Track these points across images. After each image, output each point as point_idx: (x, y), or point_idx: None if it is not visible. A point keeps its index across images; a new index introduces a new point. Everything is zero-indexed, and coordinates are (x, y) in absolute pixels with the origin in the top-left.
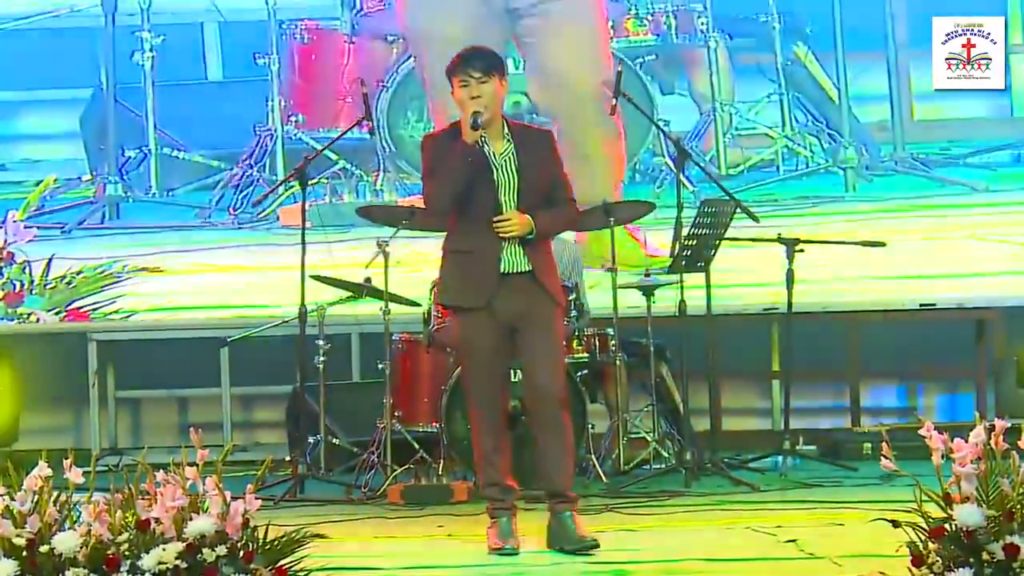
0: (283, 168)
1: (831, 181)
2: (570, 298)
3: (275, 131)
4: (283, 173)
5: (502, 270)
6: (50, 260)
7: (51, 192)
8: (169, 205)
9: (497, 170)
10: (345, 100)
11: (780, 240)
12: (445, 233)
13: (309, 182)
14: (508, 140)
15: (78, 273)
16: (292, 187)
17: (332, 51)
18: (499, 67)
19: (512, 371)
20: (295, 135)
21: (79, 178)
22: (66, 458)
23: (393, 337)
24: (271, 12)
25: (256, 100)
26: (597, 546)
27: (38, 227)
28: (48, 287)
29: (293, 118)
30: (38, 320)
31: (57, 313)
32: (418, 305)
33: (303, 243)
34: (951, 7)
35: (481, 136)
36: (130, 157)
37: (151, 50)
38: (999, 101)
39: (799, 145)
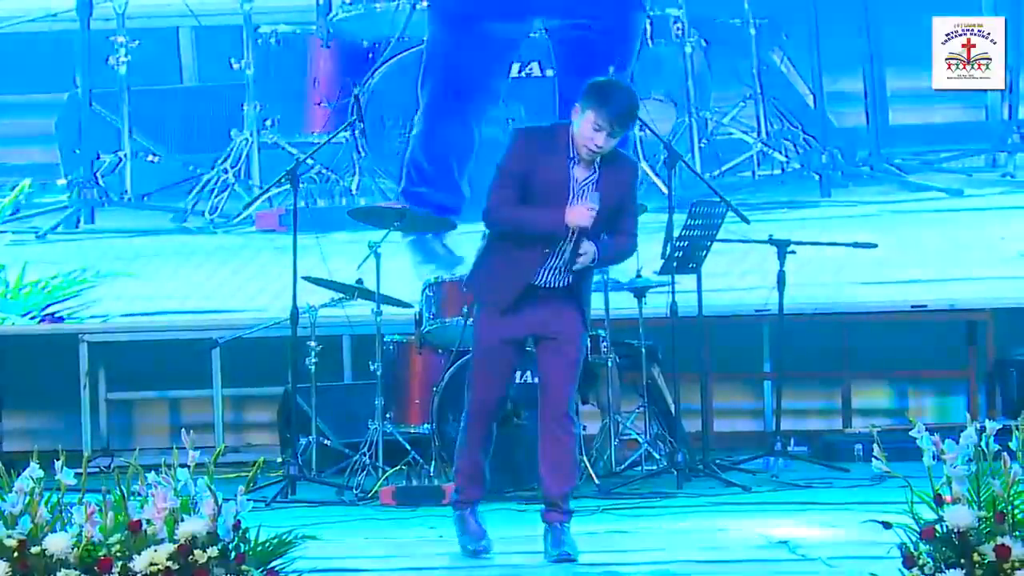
0: (258, 173)
1: (806, 186)
2: None
3: (250, 136)
4: (259, 178)
5: (540, 284)
6: (25, 265)
7: (25, 196)
8: (144, 209)
9: (574, 195)
10: (320, 104)
11: (771, 242)
12: (441, 232)
13: (285, 187)
14: (594, 168)
15: (53, 278)
16: (268, 191)
17: (307, 56)
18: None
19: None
20: (270, 139)
21: (54, 182)
22: (57, 459)
23: (385, 339)
24: (246, 17)
25: (231, 105)
26: (572, 560)
27: (12, 231)
28: (22, 291)
29: (268, 122)
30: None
31: (32, 318)
32: (410, 307)
33: (294, 245)
34: (931, 11)
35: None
36: (105, 161)
37: (126, 55)
38: (975, 106)
39: (775, 149)
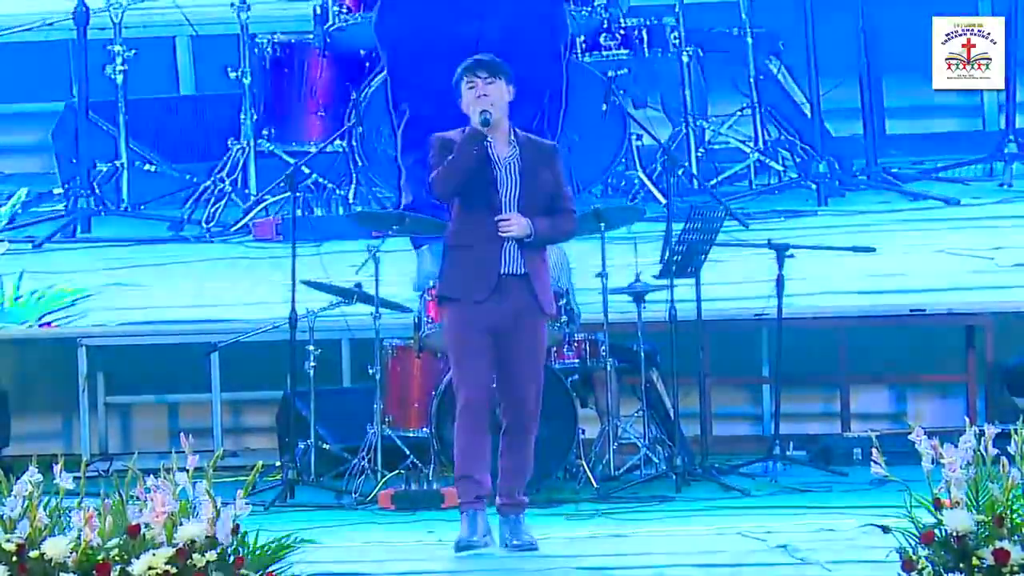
0: (255, 182)
1: (803, 195)
2: (560, 303)
3: (247, 145)
4: (255, 187)
5: (501, 272)
6: (21, 274)
7: (22, 205)
8: (141, 219)
9: (500, 171)
10: (317, 114)
11: (770, 246)
12: (441, 233)
13: (280, 196)
14: (514, 146)
15: (49, 287)
16: (265, 200)
17: (305, 65)
18: (505, 71)
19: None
20: (267, 148)
21: (50, 192)
22: (56, 463)
23: (384, 342)
24: (243, 26)
25: (228, 114)
26: (533, 548)
27: (9, 241)
28: (18, 300)
29: (266, 131)
30: None
31: (29, 327)
32: (409, 310)
33: (293, 248)
34: (928, 20)
35: (487, 138)
36: (102, 170)
37: (123, 64)
38: (971, 115)
39: (772, 159)
